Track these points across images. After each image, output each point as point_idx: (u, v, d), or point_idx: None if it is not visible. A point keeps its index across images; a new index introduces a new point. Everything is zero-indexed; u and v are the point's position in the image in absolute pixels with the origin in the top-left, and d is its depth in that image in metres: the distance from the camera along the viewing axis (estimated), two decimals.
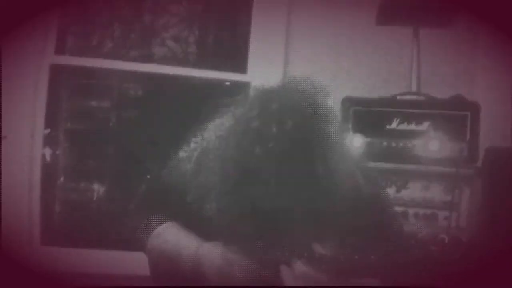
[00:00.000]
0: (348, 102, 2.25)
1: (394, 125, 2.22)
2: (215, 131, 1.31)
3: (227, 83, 2.80)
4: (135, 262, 1.67)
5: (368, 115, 2.26)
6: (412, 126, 2.21)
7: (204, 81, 2.79)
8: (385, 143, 2.21)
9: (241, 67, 2.76)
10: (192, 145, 1.38)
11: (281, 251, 1.19)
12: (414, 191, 2.18)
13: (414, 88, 2.37)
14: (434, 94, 2.32)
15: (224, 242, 1.24)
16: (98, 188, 2.93)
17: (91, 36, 2.97)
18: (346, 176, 1.21)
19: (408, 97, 2.32)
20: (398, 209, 2.11)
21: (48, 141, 2.74)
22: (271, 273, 1.19)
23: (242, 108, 1.26)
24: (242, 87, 2.72)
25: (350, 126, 2.22)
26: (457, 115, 2.20)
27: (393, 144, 2.20)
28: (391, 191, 2.15)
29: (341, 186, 1.18)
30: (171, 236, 1.33)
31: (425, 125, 2.20)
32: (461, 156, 2.13)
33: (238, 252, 1.22)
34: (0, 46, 1.87)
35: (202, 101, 2.73)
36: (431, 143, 2.16)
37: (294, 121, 1.17)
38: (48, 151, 2.75)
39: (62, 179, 2.88)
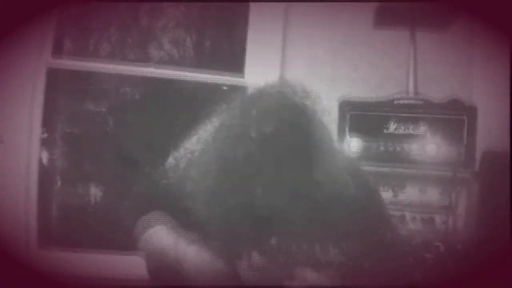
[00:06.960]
0: (345, 105, 2.25)
1: (391, 128, 2.22)
2: (210, 135, 1.31)
3: (225, 87, 2.80)
4: (132, 265, 1.67)
5: (365, 119, 2.26)
6: (409, 130, 2.21)
7: (201, 84, 2.78)
8: (382, 147, 2.21)
9: (238, 71, 2.76)
10: (187, 149, 1.38)
11: (270, 256, 1.19)
12: (411, 194, 2.18)
13: (411, 92, 2.37)
14: (431, 98, 2.32)
15: (211, 246, 1.24)
16: (95, 192, 2.93)
17: (89, 39, 2.96)
18: (343, 181, 1.21)
19: (405, 100, 2.32)
20: (395, 213, 2.11)
21: (45, 144, 2.74)
22: (259, 274, 1.19)
23: (237, 111, 1.26)
24: (239, 90, 2.71)
25: (347, 129, 2.22)
26: (454, 119, 2.20)
27: (390, 148, 2.20)
28: (388, 195, 2.15)
29: (337, 191, 1.18)
30: (160, 239, 1.33)
31: (422, 129, 2.20)
32: (458, 159, 2.13)
33: (224, 255, 1.22)
34: None
35: (200, 104, 2.72)
36: (428, 147, 2.17)
37: (289, 127, 1.17)
38: (45, 155, 2.74)
39: (59, 182, 2.88)
